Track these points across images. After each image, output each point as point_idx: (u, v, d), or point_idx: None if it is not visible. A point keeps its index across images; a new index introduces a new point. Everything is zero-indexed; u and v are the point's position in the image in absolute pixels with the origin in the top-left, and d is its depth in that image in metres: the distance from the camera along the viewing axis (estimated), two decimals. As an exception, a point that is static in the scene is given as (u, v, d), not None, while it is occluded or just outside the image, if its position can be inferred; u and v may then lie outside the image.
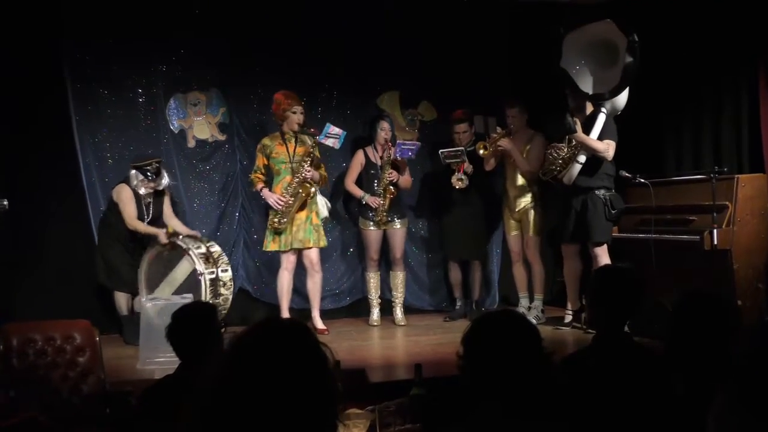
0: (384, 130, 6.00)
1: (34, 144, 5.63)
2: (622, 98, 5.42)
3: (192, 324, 2.63)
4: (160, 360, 4.46)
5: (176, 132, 6.14)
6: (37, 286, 5.53)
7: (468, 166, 5.97)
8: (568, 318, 5.71)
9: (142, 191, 5.44)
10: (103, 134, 5.91)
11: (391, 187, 5.94)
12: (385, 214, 5.96)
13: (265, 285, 6.26)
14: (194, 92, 6.20)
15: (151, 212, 5.52)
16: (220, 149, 6.27)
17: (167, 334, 2.62)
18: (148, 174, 5.43)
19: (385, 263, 6.39)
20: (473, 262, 6.30)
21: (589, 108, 5.53)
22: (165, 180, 5.57)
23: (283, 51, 6.21)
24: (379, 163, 6.05)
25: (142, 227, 5.43)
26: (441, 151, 5.99)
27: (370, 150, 6.13)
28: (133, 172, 5.44)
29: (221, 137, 6.27)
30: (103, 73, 5.88)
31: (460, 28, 6.50)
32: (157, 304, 4.90)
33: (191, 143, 6.21)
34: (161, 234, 5.34)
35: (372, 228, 6.05)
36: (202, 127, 6.22)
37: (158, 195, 5.59)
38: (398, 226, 6.09)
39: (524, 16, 6.50)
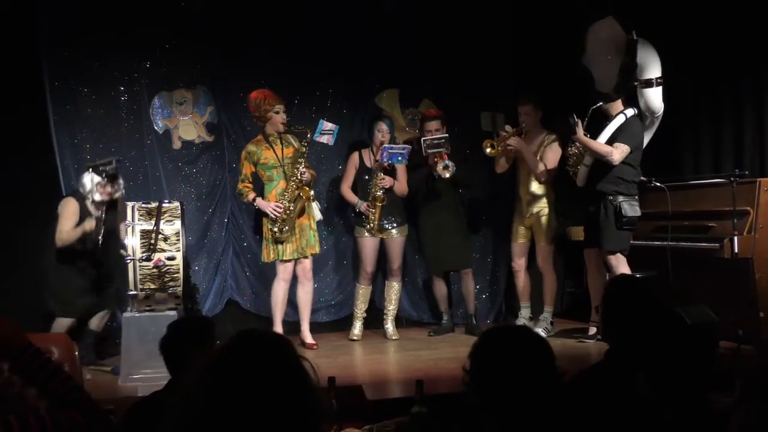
0: (381, 132, 5.92)
1: (10, 145, 5.62)
2: (656, 101, 5.40)
3: (187, 338, 2.65)
4: (143, 376, 4.48)
5: (161, 132, 6.13)
6: (11, 292, 5.49)
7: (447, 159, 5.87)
8: (593, 330, 5.54)
9: (97, 197, 5.05)
10: (82, 135, 5.91)
11: (381, 194, 5.84)
12: (376, 222, 5.88)
13: (256, 296, 6.26)
14: (180, 90, 6.19)
15: (102, 228, 5.02)
16: (208, 151, 6.26)
17: (161, 347, 2.65)
18: (104, 176, 5.00)
19: (381, 274, 6.33)
20: (461, 271, 6.21)
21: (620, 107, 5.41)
22: (122, 189, 5.18)
23: (276, 46, 6.20)
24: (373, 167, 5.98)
25: (74, 234, 5.00)
26: (423, 139, 5.88)
27: (366, 152, 6.05)
28: (88, 175, 5.07)
29: (209, 138, 6.25)
30: (82, 70, 5.88)
31: (462, 23, 6.52)
32: (138, 316, 4.88)
33: (177, 144, 6.19)
34: (88, 225, 4.96)
35: (367, 236, 5.97)
36: (188, 127, 6.21)
37: (111, 208, 5.15)
38: (396, 235, 6.01)
39: (528, 8, 6.53)
